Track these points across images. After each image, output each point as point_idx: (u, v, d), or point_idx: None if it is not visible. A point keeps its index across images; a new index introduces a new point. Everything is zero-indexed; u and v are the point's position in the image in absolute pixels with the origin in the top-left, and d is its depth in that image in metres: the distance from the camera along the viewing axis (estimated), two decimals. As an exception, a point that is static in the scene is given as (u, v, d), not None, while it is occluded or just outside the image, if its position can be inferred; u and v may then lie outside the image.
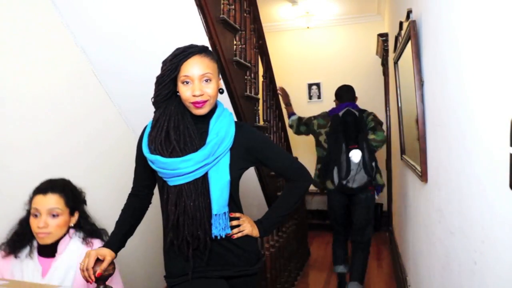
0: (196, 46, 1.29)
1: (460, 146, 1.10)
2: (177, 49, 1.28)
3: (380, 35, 4.08)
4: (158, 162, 1.24)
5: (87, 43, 2.17)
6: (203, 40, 2.00)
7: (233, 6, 2.36)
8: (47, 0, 1.98)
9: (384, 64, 4.34)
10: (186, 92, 1.25)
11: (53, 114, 2.00)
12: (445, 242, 1.30)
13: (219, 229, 1.28)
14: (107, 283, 1.23)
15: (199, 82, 1.24)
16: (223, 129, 1.29)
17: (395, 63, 2.45)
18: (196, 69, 1.24)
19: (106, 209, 1.84)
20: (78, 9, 2.04)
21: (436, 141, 1.42)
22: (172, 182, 1.25)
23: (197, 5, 1.93)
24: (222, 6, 2.23)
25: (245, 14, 2.64)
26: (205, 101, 1.25)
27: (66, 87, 2.10)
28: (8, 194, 1.73)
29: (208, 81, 1.26)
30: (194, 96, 1.24)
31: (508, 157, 0.69)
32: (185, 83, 1.25)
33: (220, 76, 1.37)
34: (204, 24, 1.99)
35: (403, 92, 2.31)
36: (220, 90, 1.33)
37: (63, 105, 2.07)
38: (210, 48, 1.33)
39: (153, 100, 1.31)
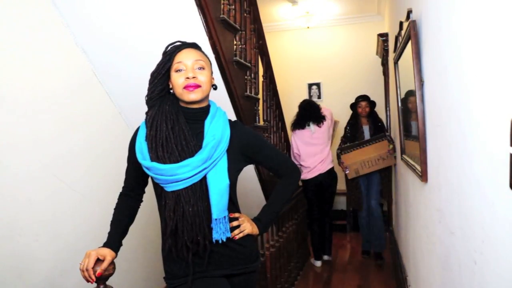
0: (189, 42, 1.33)
1: (460, 146, 1.10)
2: (170, 44, 1.31)
3: (380, 35, 4.08)
4: (154, 169, 1.21)
5: (87, 43, 2.17)
6: (203, 40, 2.00)
7: (233, 6, 2.36)
8: (47, 0, 1.98)
9: (384, 64, 4.34)
10: (179, 79, 1.25)
11: (53, 113, 2.00)
12: (445, 242, 1.30)
13: (219, 233, 1.27)
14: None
15: (192, 68, 1.26)
16: (218, 130, 1.27)
17: (395, 63, 2.45)
18: (189, 56, 1.26)
19: (106, 207, 1.84)
20: (78, 9, 2.04)
21: (436, 141, 1.42)
22: (169, 188, 1.22)
23: (197, 5, 1.93)
24: (222, 6, 2.23)
25: (245, 14, 2.64)
26: (197, 86, 1.25)
27: (66, 86, 2.10)
28: (8, 194, 1.73)
29: (202, 69, 1.27)
30: (187, 78, 1.24)
31: (508, 157, 0.69)
32: (178, 71, 1.25)
33: (213, 75, 1.38)
34: (204, 24, 1.99)
35: (403, 92, 2.31)
36: (214, 86, 1.33)
37: (63, 105, 2.07)
38: (210, 48, 1.34)
39: (146, 98, 1.30)
